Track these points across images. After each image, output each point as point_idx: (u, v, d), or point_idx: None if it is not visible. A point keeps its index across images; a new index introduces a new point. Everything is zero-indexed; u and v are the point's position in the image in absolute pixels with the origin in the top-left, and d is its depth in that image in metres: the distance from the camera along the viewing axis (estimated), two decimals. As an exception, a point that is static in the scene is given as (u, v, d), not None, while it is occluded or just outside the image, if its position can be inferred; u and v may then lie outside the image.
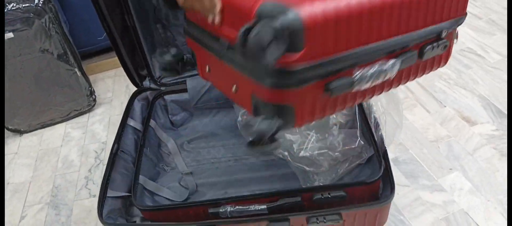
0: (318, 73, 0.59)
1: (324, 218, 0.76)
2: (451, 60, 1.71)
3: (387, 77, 0.66)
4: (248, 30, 0.51)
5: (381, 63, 0.65)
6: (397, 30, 0.66)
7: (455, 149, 1.39)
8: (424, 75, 0.83)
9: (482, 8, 2.07)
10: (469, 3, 2.15)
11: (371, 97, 0.74)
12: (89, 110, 1.79)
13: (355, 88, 0.63)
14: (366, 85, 0.64)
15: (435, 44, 0.72)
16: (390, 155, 1.35)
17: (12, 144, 1.69)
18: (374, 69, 0.63)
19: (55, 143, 1.67)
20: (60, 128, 1.73)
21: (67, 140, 1.67)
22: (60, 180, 1.50)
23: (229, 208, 0.79)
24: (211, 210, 0.79)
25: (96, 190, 1.41)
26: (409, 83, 1.64)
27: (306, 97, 0.61)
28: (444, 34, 0.73)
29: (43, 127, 1.74)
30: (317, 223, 0.75)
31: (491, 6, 2.07)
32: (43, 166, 1.57)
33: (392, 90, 0.96)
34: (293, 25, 0.53)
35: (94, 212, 1.36)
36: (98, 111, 1.79)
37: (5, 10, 1.43)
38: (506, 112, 1.49)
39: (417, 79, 1.67)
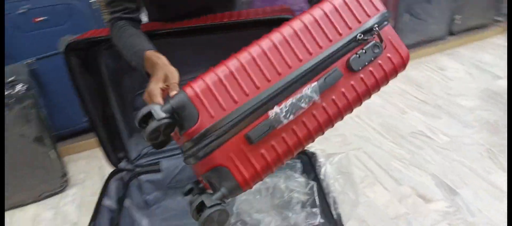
0: (227, 129, 0.64)
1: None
2: (403, 142, 1.89)
3: (309, 104, 0.67)
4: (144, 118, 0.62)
5: (296, 94, 0.67)
6: (296, 63, 0.68)
7: None
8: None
9: (429, 94, 2.31)
10: (417, 91, 2.39)
11: (316, 133, 0.71)
12: (61, 191, 1.80)
13: (278, 126, 0.66)
14: (286, 120, 0.65)
15: (360, 52, 0.70)
16: (354, 232, 1.43)
17: (-23, 228, 1.66)
18: (288, 102, 0.66)
19: (25, 225, 1.65)
20: (30, 210, 1.72)
21: (37, 221, 1.66)
22: (26, 264, 1.48)
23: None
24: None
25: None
26: (367, 162, 1.78)
27: (231, 153, 0.65)
28: (360, 37, 0.71)
29: (12, 207, 1.72)
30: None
31: (436, 92, 2.32)
32: (9, 250, 1.54)
33: (348, 170, 1.08)
34: (181, 104, 0.64)
35: None
36: (70, 192, 1.80)
37: (-13, 96, 1.50)
38: (457, 190, 1.62)
39: (374, 158, 1.80)
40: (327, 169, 1.05)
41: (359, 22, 0.72)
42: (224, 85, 0.66)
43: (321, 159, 1.10)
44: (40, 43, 1.75)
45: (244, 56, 0.68)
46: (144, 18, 1.06)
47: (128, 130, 1.20)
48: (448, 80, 2.45)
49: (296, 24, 0.70)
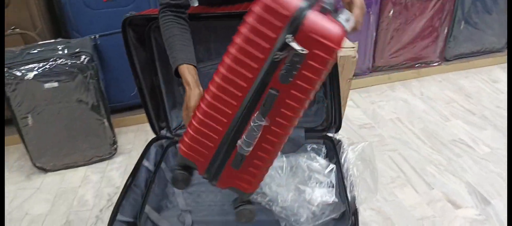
0: (219, 165, 0.85)
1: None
2: (443, 148, 1.87)
3: (260, 130, 0.77)
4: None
5: (249, 127, 0.78)
6: (238, 98, 0.77)
7: (438, 228, 1.48)
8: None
9: (477, 105, 2.24)
10: (465, 100, 2.33)
11: (277, 146, 0.83)
12: (109, 158, 1.97)
13: (247, 153, 0.80)
14: (250, 148, 0.79)
15: (284, 67, 0.72)
16: (377, 227, 1.46)
17: (36, 180, 1.87)
18: (245, 135, 0.79)
19: (74, 184, 1.84)
20: (81, 171, 1.91)
21: (85, 182, 1.84)
22: (73, 216, 1.65)
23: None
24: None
25: (104, 228, 1.55)
26: (402, 164, 1.79)
27: (229, 178, 0.87)
28: (276, 58, 0.71)
29: (66, 168, 1.92)
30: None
31: (485, 104, 2.25)
32: (60, 202, 1.73)
33: (370, 158, 1.11)
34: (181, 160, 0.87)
35: (100, 247, 1.49)
36: (117, 160, 1.97)
37: (55, 64, 1.69)
38: (490, 200, 1.58)
39: (409, 161, 1.80)
40: (349, 155, 1.10)
41: (274, 38, 0.71)
42: (198, 138, 0.83)
43: (344, 146, 1.15)
44: (105, 21, 1.93)
45: (203, 103, 0.81)
46: (195, 3, 1.17)
47: (171, 102, 1.31)
48: (500, 93, 2.35)
49: (226, 60, 0.76)
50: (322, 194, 1.01)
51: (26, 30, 1.91)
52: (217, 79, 0.77)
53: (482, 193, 1.62)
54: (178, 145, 0.89)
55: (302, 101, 0.76)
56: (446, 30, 2.50)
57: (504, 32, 2.68)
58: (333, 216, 1.02)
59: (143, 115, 1.32)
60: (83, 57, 1.73)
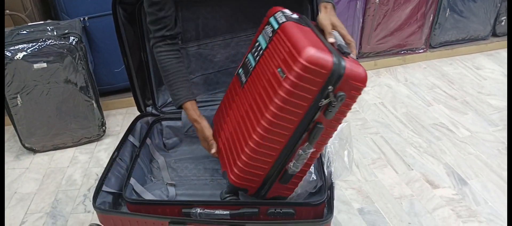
0: (269, 184, 1.00)
1: None
2: (423, 131, 1.93)
3: (308, 154, 0.95)
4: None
5: (298, 153, 0.94)
6: (286, 134, 0.91)
7: (416, 206, 1.54)
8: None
9: (459, 90, 2.30)
10: (447, 86, 2.40)
11: (316, 156, 0.99)
12: (98, 139, 2.00)
13: (297, 171, 0.97)
14: (299, 167, 0.97)
15: (330, 107, 0.88)
16: (356, 205, 1.52)
17: (25, 160, 1.90)
18: (294, 161, 0.96)
19: (63, 164, 1.87)
20: (69, 152, 1.94)
21: (74, 162, 1.87)
22: (61, 195, 1.68)
23: (198, 210, 0.96)
24: (184, 210, 0.96)
25: (92, 207, 1.58)
26: (383, 146, 1.85)
27: (279, 190, 1.03)
28: (321, 104, 0.87)
29: (55, 149, 1.95)
30: None
31: (467, 89, 2.31)
32: (49, 182, 1.76)
33: (347, 138, 1.16)
34: (232, 188, 1.00)
35: (87, 225, 1.53)
36: (105, 141, 2.00)
37: (44, 45, 1.71)
38: (467, 180, 1.65)
39: (390, 143, 1.87)
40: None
41: (316, 90, 0.83)
42: (251, 164, 0.95)
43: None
44: (94, 3, 1.95)
45: (251, 142, 0.92)
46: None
47: (158, 80, 1.34)
48: (482, 79, 2.41)
49: (271, 108, 0.87)
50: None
51: (15, 11, 1.93)
52: (263, 123, 0.88)
53: (459, 173, 1.68)
54: (227, 175, 1.00)
55: (336, 126, 0.93)
56: (431, 18, 2.54)
57: (488, 20, 2.73)
58: (311, 190, 1.06)
59: (131, 98, 1.35)
60: (72, 38, 1.75)
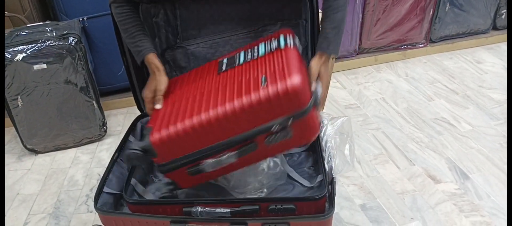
0: (177, 165, 0.96)
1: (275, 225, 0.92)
2: (425, 126, 1.92)
3: (227, 163, 0.94)
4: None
5: (220, 156, 0.93)
6: (226, 134, 0.90)
7: (418, 202, 1.54)
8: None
9: (460, 85, 2.29)
10: (448, 80, 2.41)
11: (230, 170, 1.00)
12: (99, 139, 2.00)
13: (207, 171, 0.96)
14: (212, 169, 0.95)
15: (274, 136, 0.89)
16: (359, 201, 1.52)
17: (27, 161, 1.90)
18: (212, 161, 0.94)
19: (64, 164, 1.87)
20: (71, 152, 1.94)
21: (75, 162, 1.87)
22: (64, 195, 1.68)
23: (199, 209, 0.96)
24: (185, 209, 0.96)
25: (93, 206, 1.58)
26: (384, 141, 1.84)
27: (179, 177, 1.00)
28: (275, 128, 0.87)
29: (56, 149, 1.95)
30: None
31: (468, 83, 2.30)
32: (51, 182, 1.76)
33: (348, 132, 1.16)
34: (147, 147, 0.92)
35: (89, 225, 1.53)
36: (107, 141, 2.00)
37: (43, 45, 1.71)
38: (469, 174, 1.64)
39: (392, 139, 1.87)
40: (328, 129, 1.14)
41: (278, 115, 0.86)
42: (178, 139, 0.90)
43: (324, 121, 1.19)
44: (92, 3, 1.95)
45: (204, 116, 0.88)
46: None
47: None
48: (483, 73, 2.41)
49: (229, 106, 0.86)
50: (267, 166, 1.08)
51: (14, 13, 1.93)
52: (219, 111, 0.87)
53: (461, 168, 1.68)
54: (150, 132, 0.94)
55: (265, 156, 0.97)
56: (431, 12, 2.54)
57: (489, 13, 2.72)
58: (278, 182, 1.10)
59: (132, 98, 1.35)
60: (71, 39, 1.75)
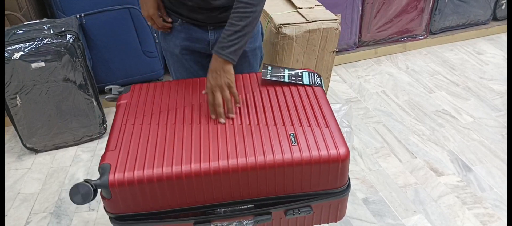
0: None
1: (299, 210, 0.91)
2: (426, 119, 1.91)
3: None
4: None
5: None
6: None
7: (421, 195, 1.53)
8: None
9: (460, 76, 2.28)
10: (449, 72, 2.38)
11: None
12: (99, 137, 1.99)
13: None
14: None
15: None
16: (361, 195, 1.51)
17: (27, 160, 1.89)
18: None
19: (65, 163, 1.86)
20: (71, 150, 1.93)
21: (76, 161, 1.86)
22: (65, 194, 1.68)
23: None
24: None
25: (95, 205, 1.58)
26: (386, 135, 1.83)
27: None
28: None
29: (56, 148, 1.94)
30: (293, 214, 0.89)
31: (468, 75, 2.29)
32: (52, 181, 1.75)
33: (347, 119, 1.15)
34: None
35: (91, 223, 1.52)
36: (107, 138, 1.99)
37: (41, 43, 1.69)
38: (471, 167, 1.64)
39: (393, 132, 1.86)
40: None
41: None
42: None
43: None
44: (89, 0, 1.93)
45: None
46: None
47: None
48: (483, 64, 2.40)
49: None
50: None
51: (11, 11, 1.91)
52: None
53: (463, 160, 1.68)
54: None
55: None
56: (431, 3, 2.52)
57: (489, 4, 2.70)
58: None
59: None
60: (69, 36, 1.74)
